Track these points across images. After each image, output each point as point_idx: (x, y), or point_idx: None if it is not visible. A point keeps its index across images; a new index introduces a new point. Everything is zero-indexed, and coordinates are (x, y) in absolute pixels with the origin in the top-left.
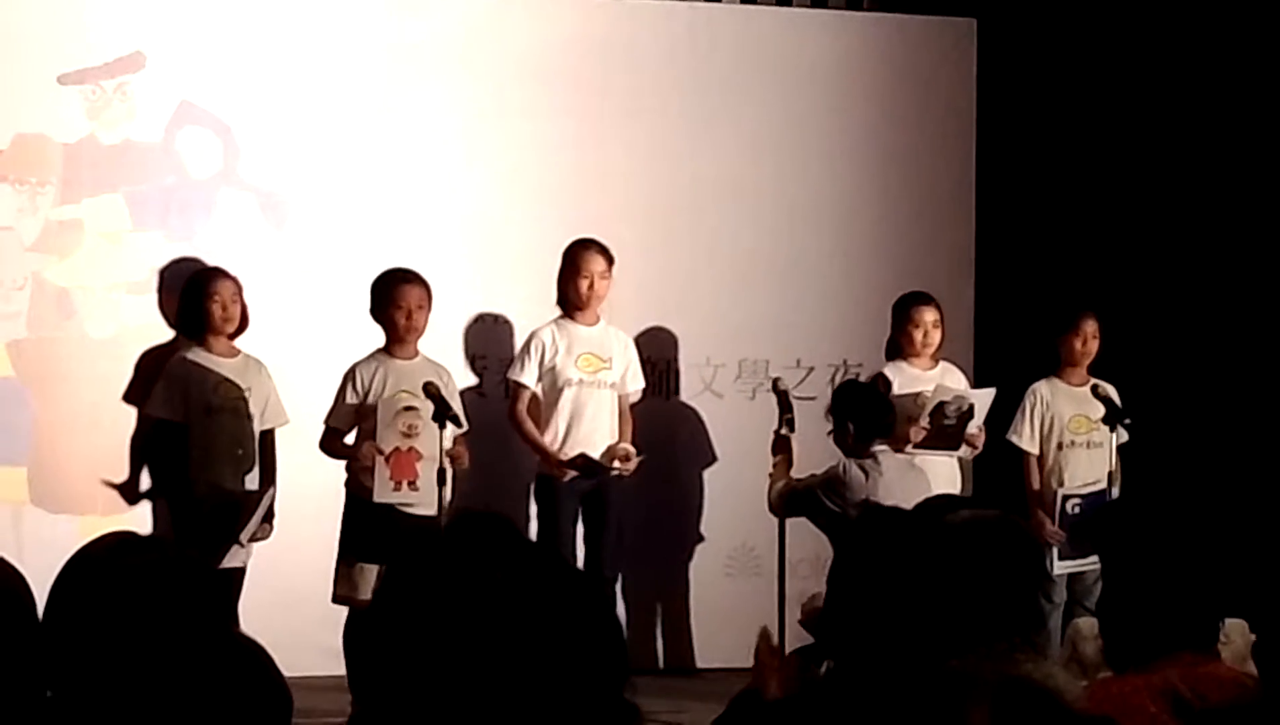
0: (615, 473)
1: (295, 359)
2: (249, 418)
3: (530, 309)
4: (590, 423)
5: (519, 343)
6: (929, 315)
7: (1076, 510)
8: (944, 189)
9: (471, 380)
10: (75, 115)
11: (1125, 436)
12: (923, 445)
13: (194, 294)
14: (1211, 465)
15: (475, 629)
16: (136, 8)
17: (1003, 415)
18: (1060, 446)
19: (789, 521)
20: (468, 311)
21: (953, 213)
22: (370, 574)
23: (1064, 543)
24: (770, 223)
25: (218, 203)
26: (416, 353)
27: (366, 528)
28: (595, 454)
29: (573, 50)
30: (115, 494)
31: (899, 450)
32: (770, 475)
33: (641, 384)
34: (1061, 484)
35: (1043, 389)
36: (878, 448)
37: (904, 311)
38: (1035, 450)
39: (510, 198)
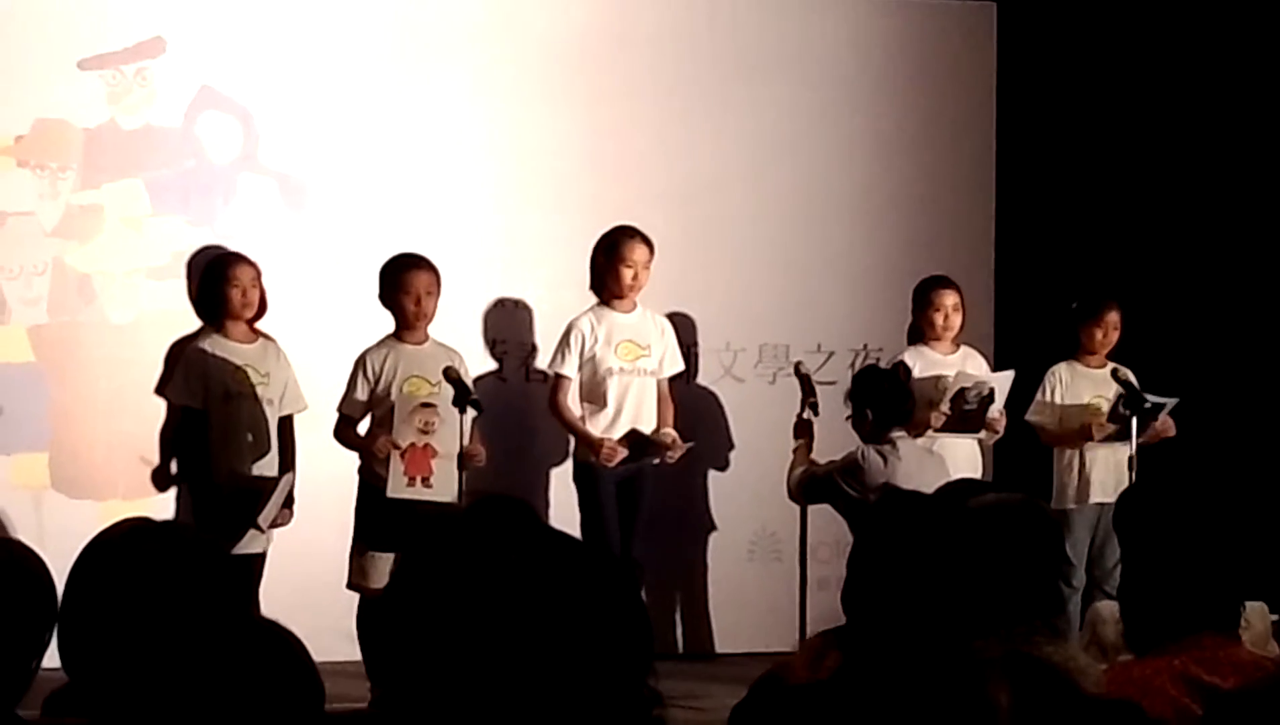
0: (658, 462)
1: (315, 344)
2: (268, 403)
3: (550, 294)
4: (633, 410)
5: (538, 327)
6: (949, 299)
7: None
8: (964, 173)
9: (491, 365)
10: (96, 100)
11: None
12: (944, 429)
13: (213, 279)
14: (1231, 449)
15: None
16: None
17: (1023, 397)
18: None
19: (811, 506)
20: (487, 296)
21: (972, 197)
22: (382, 562)
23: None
24: (790, 207)
25: (238, 187)
26: (427, 337)
27: (380, 516)
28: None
29: (592, 35)
30: (136, 479)
31: (918, 436)
32: (791, 461)
33: (680, 366)
34: (1084, 467)
35: (1062, 371)
36: (896, 434)
37: (924, 295)
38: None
39: (529, 182)
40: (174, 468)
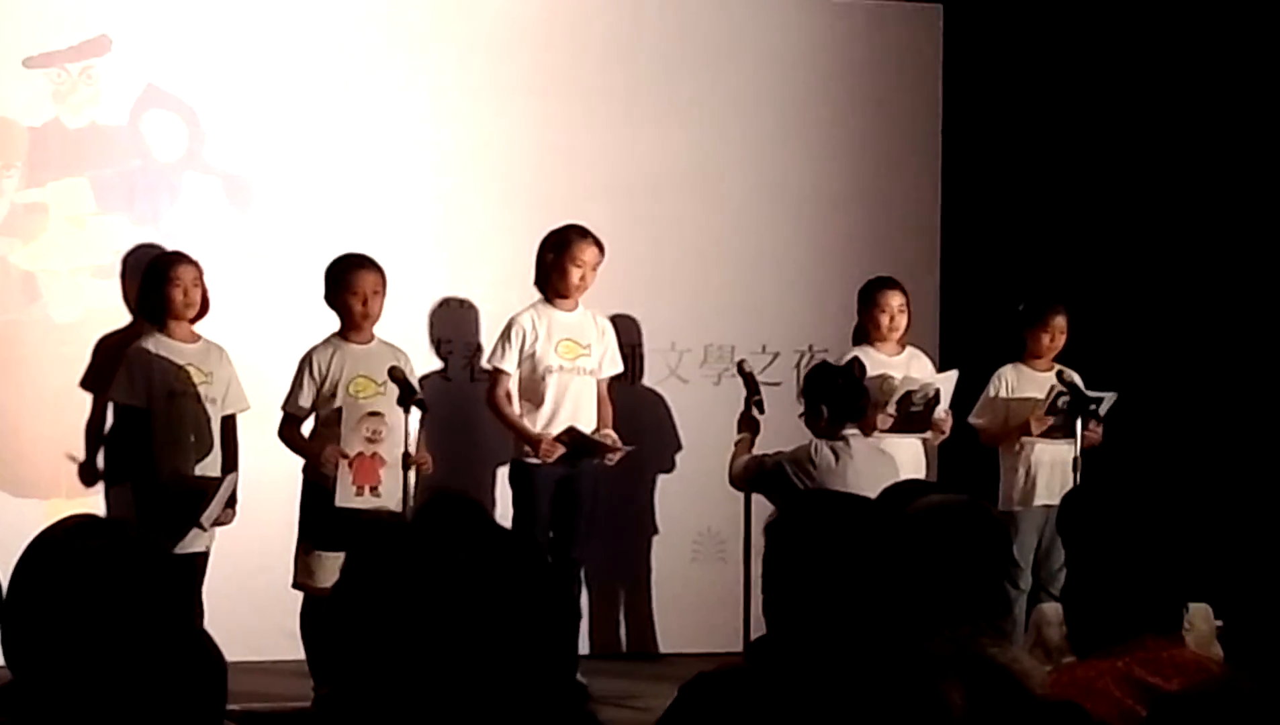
0: (597, 462)
1: (259, 344)
2: (211, 403)
3: (496, 293)
4: (571, 409)
5: (484, 326)
6: (895, 300)
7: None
8: (910, 174)
9: (437, 364)
10: (41, 99)
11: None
12: (891, 430)
13: (155, 279)
14: (1174, 451)
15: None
16: None
17: (969, 399)
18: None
19: (755, 506)
20: (433, 295)
21: (918, 198)
22: (327, 561)
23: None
24: (736, 207)
25: (183, 186)
26: (373, 337)
27: (325, 515)
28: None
29: (540, 32)
30: (80, 477)
31: (868, 434)
32: (733, 451)
33: (619, 368)
34: (1029, 470)
35: (1008, 373)
36: (849, 431)
37: (870, 297)
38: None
39: (476, 181)
40: (105, 465)
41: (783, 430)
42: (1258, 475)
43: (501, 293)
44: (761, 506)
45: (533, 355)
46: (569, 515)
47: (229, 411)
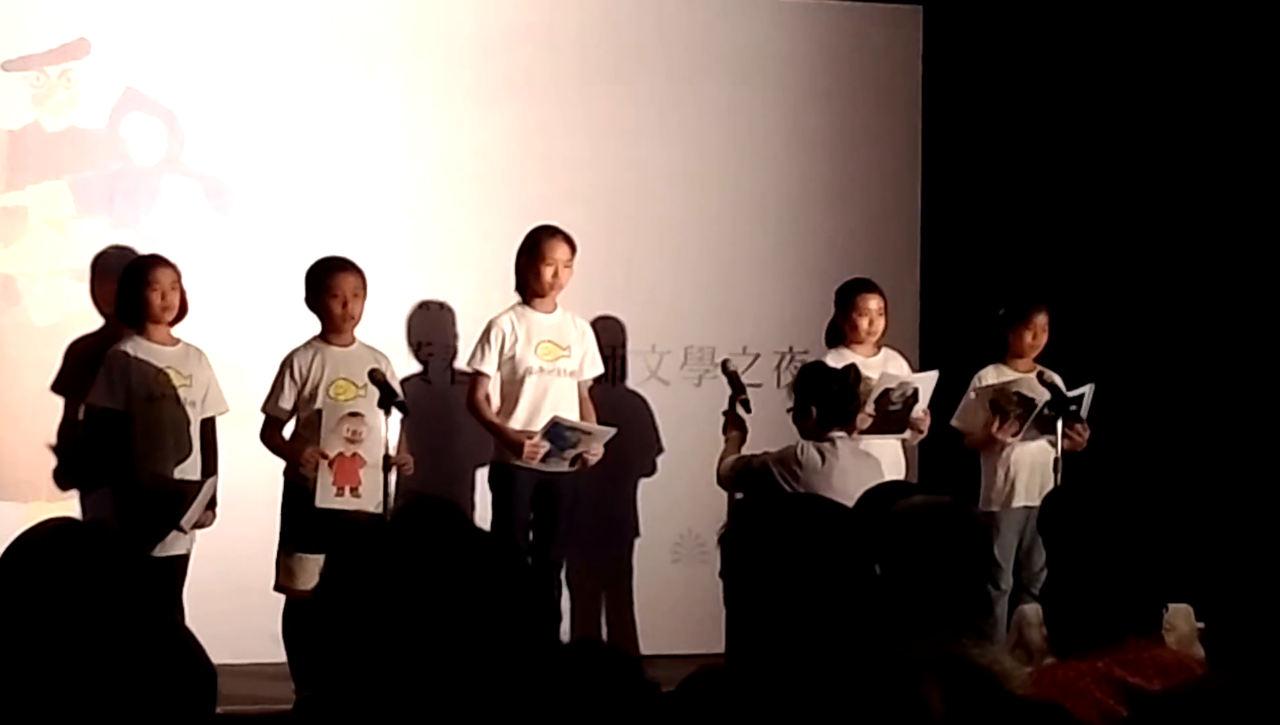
0: (578, 466)
1: (239, 346)
2: (190, 406)
3: (475, 296)
4: (551, 410)
5: (463, 329)
6: (874, 302)
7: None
8: (889, 176)
9: (416, 367)
10: (19, 102)
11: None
12: (869, 431)
13: (133, 282)
14: (1155, 452)
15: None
16: None
17: (949, 400)
18: None
19: (731, 507)
20: (412, 298)
21: (898, 199)
22: (309, 563)
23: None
24: (716, 209)
25: (162, 189)
26: (354, 340)
27: (306, 517)
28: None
29: (519, 35)
30: (60, 480)
31: (851, 436)
32: (722, 451)
33: (600, 370)
34: (1009, 471)
35: (989, 375)
36: (836, 433)
37: (849, 298)
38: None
39: (455, 184)
40: (85, 469)
41: (765, 431)
42: (1239, 475)
43: (481, 296)
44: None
45: (512, 357)
46: (549, 517)
47: (208, 414)
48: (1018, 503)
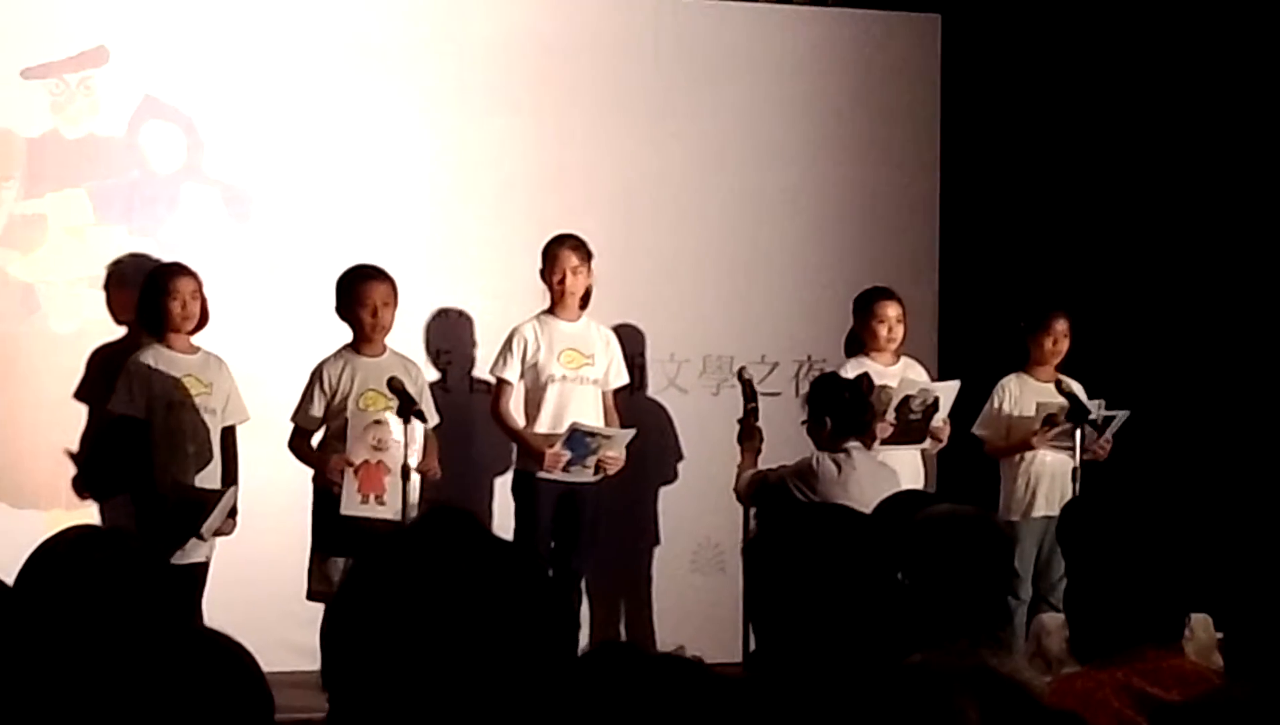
0: (599, 477)
1: (259, 354)
2: (210, 414)
3: (494, 304)
4: (574, 418)
5: (481, 337)
6: (893, 310)
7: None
8: (908, 184)
9: (435, 375)
10: (39, 109)
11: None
12: (889, 441)
13: (154, 291)
14: (1176, 460)
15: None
16: (100, 2)
17: (968, 409)
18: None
19: (754, 517)
20: (431, 306)
21: (917, 208)
22: (343, 568)
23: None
24: (735, 218)
25: (181, 197)
26: (384, 349)
27: (337, 523)
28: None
29: (537, 44)
30: (80, 488)
31: (868, 446)
32: (739, 464)
33: (625, 380)
34: (1029, 481)
35: (1011, 383)
36: (851, 444)
37: (868, 307)
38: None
39: (474, 192)
40: (105, 477)
41: (782, 440)
42: (1259, 484)
43: (500, 304)
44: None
45: (535, 365)
46: (572, 527)
47: (229, 423)
48: (1038, 513)
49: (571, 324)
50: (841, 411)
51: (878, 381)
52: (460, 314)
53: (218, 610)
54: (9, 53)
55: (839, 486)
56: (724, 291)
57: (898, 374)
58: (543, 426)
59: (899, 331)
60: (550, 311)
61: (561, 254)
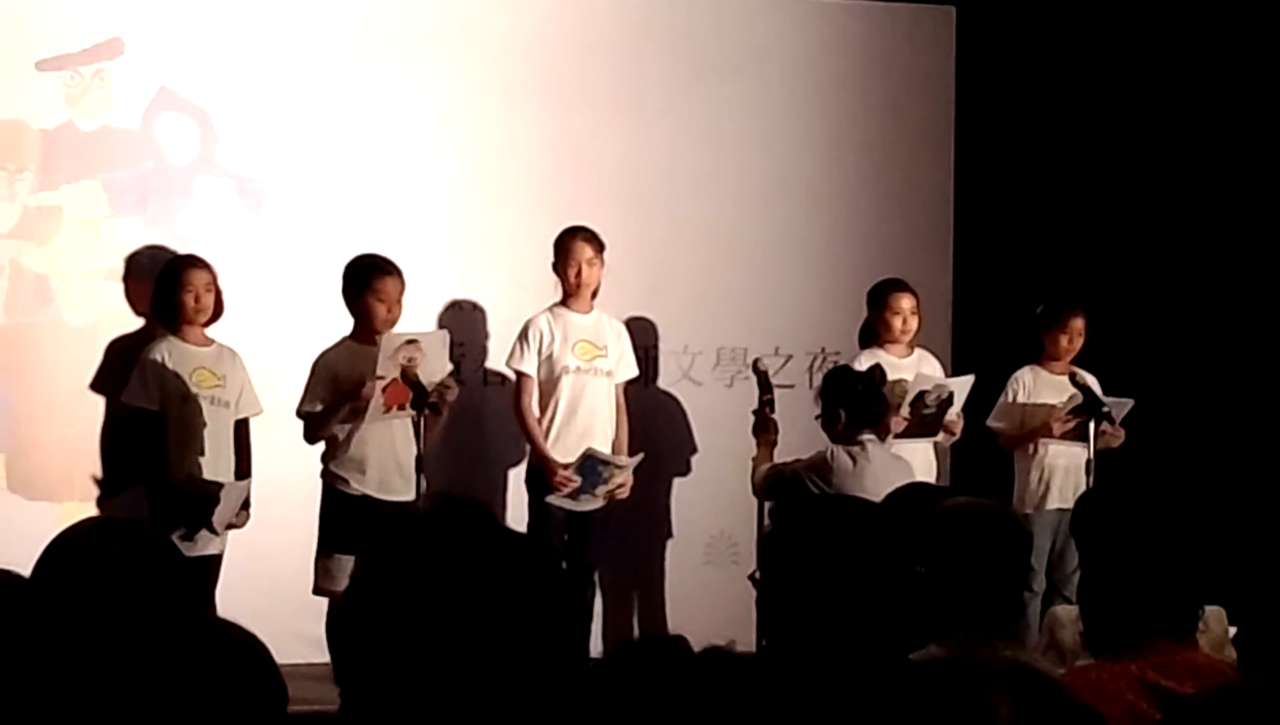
0: (606, 501)
1: (273, 347)
2: (224, 406)
3: (507, 296)
4: (588, 410)
5: (494, 329)
6: (906, 302)
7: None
8: (923, 176)
9: (449, 367)
10: (54, 101)
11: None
12: (903, 434)
13: (168, 283)
14: (1190, 454)
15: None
16: None
17: (981, 402)
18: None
19: (768, 510)
20: (445, 297)
21: (931, 200)
22: (347, 565)
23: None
24: (749, 210)
25: (195, 189)
26: None
27: (344, 520)
28: (594, 441)
29: (551, 35)
30: (93, 481)
31: (883, 439)
32: (754, 457)
33: (634, 372)
34: (1043, 473)
35: (1025, 376)
36: (866, 436)
37: (882, 298)
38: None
39: (487, 183)
40: (118, 469)
41: (797, 433)
42: (1272, 479)
43: (513, 296)
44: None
45: (550, 357)
46: (584, 519)
47: (242, 415)
48: (1051, 505)
49: (584, 316)
50: (855, 404)
51: (892, 373)
52: (474, 306)
53: (231, 602)
54: (24, 45)
55: (854, 479)
56: (738, 284)
57: (912, 366)
58: (560, 419)
59: (913, 323)
60: (563, 303)
61: (576, 246)
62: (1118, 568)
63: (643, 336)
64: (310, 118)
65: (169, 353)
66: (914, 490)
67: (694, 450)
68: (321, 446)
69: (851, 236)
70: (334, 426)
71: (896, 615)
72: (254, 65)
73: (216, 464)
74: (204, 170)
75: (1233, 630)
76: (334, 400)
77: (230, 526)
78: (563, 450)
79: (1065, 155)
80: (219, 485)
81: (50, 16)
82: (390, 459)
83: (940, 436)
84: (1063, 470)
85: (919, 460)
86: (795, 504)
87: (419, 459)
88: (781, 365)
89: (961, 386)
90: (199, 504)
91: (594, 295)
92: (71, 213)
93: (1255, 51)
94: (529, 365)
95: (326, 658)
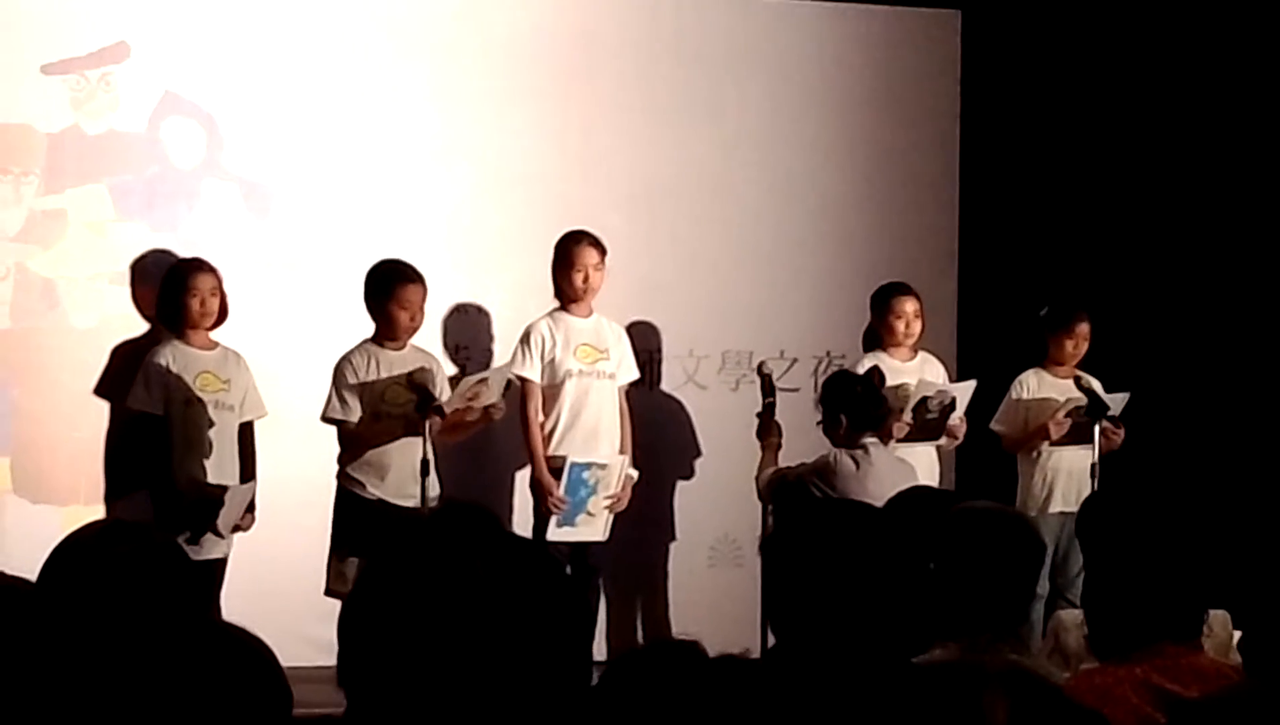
0: (607, 537)
1: (278, 350)
2: (229, 410)
3: (513, 299)
4: (593, 414)
5: (500, 333)
6: (910, 306)
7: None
8: (928, 180)
9: (453, 370)
10: (59, 105)
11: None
12: (906, 439)
13: (173, 287)
14: (1195, 457)
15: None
16: None
17: (985, 405)
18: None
19: (772, 515)
20: (449, 301)
21: (936, 204)
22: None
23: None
24: (754, 214)
25: (201, 193)
26: (405, 344)
27: (358, 524)
28: (599, 444)
29: (557, 39)
30: (98, 484)
31: (885, 441)
32: (759, 462)
33: (635, 375)
34: (1046, 477)
35: (1030, 379)
36: (868, 439)
37: (885, 302)
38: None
39: (493, 187)
40: (123, 472)
41: (802, 437)
42: (1277, 481)
43: (519, 299)
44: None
45: (552, 361)
46: None
47: (246, 418)
48: (1054, 508)
49: (584, 320)
50: (855, 407)
51: (895, 377)
52: (479, 309)
53: (236, 605)
54: (30, 48)
55: (858, 483)
56: (743, 287)
57: (915, 369)
58: (563, 423)
59: (916, 327)
60: (563, 308)
61: (583, 252)
62: (1123, 571)
63: (647, 340)
64: (316, 122)
65: (173, 357)
66: (918, 494)
67: (698, 454)
68: (332, 450)
69: (857, 240)
70: (373, 442)
71: (899, 618)
72: (260, 69)
73: (221, 467)
74: (210, 174)
75: (1238, 634)
76: (375, 423)
77: (235, 529)
78: (570, 453)
79: (1070, 159)
80: (223, 489)
81: (56, 20)
82: (409, 465)
83: (943, 440)
84: (1066, 473)
85: (922, 463)
86: (797, 507)
87: (425, 463)
88: (786, 369)
89: (964, 391)
90: (203, 508)
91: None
92: (77, 216)
93: (1260, 55)
94: (532, 371)
95: (332, 661)
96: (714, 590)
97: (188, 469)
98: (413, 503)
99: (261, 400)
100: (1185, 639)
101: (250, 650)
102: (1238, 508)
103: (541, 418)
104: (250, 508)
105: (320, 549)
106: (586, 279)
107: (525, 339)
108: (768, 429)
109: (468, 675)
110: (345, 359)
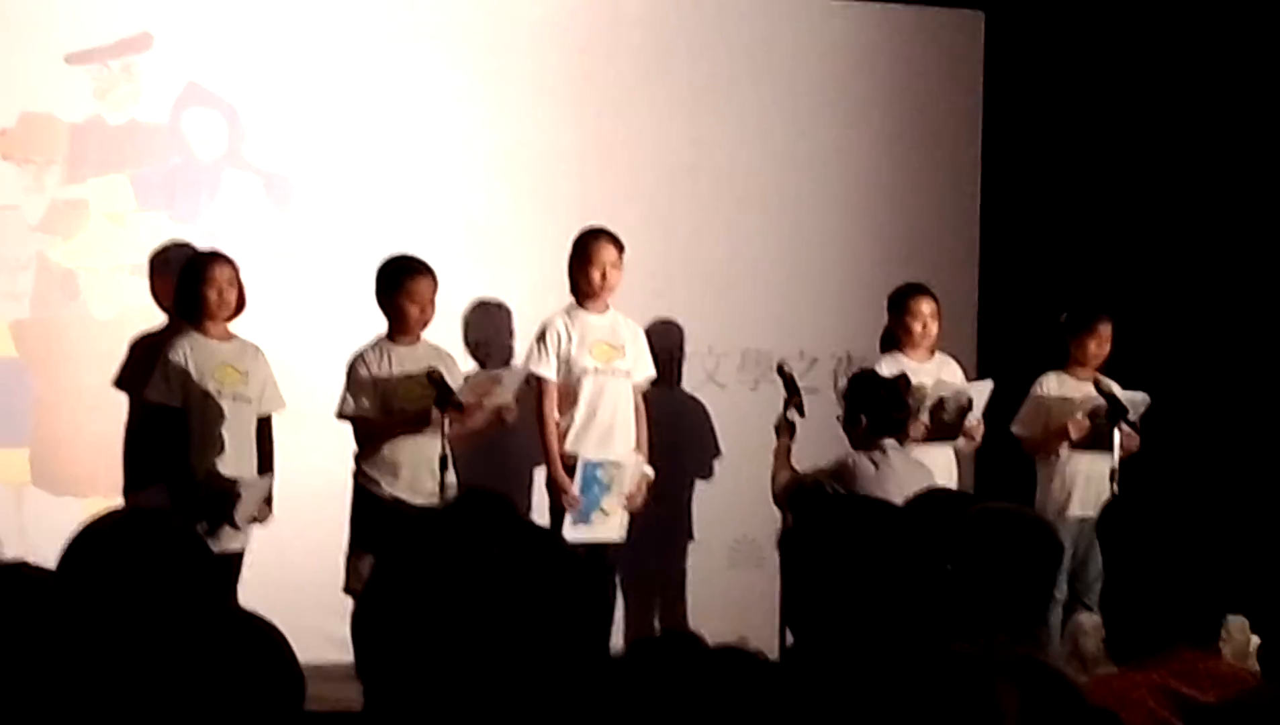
0: (622, 538)
1: (297, 343)
2: (247, 402)
3: (531, 295)
4: (608, 412)
5: (518, 329)
6: (927, 307)
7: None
8: (949, 181)
9: (472, 366)
10: (82, 95)
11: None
12: (923, 440)
13: (191, 278)
14: (1214, 461)
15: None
16: None
17: (1004, 407)
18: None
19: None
20: (468, 297)
21: (957, 205)
22: None
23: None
24: (775, 212)
25: (222, 184)
26: (419, 339)
27: (375, 522)
28: (614, 442)
29: (577, 34)
30: (118, 475)
31: (903, 444)
32: (773, 467)
33: (651, 372)
34: (1065, 481)
35: (1050, 381)
36: (887, 442)
37: (902, 303)
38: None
39: (513, 182)
40: (141, 464)
41: (820, 436)
42: None
43: (537, 295)
44: None
45: (568, 358)
46: None
47: (265, 411)
48: (1073, 512)
49: (600, 316)
50: (877, 409)
51: (912, 379)
52: (498, 306)
53: (253, 599)
54: (52, 38)
55: (876, 484)
56: (763, 286)
57: (933, 371)
58: (580, 420)
59: (933, 328)
60: (579, 305)
61: (602, 249)
62: (1141, 576)
63: (667, 338)
64: (337, 114)
65: (191, 349)
66: (935, 495)
67: (718, 453)
68: (350, 445)
69: (878, 240)
70: (389, 438)
71: (914, 617)
72: (282, 61)
73: (239, 460)
74: (231, 166)
75: (1255, 640)
76: (390, 418)
77: (253, 522)
78: (586, 450)
79: (1092, 160)
80: (242, 481)
81: (79, 10)
82: (423, 462)
83: (961, 442)
84: (1085, 478)
85: (940, 465)
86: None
87: (443, 458)
88: (807, 368)
89: (980, 392)
90: (221, 500)
91: None
92: (98, 207)
93: None
94: (548, 368)
95: (349, 657)
96: (733, 591)
97: (205, 462)
98: (428, 499)
99: (280, 394)
100: (1203, 644)
101: (263, 635)
102: (1256, 513)
103: (557, 416)
104: (268, 500)
105: (338, 543)
106: (604, 276)
107: (541, 336)
108: (784, 428)
109: (485, 667)
110: (358, 356)
